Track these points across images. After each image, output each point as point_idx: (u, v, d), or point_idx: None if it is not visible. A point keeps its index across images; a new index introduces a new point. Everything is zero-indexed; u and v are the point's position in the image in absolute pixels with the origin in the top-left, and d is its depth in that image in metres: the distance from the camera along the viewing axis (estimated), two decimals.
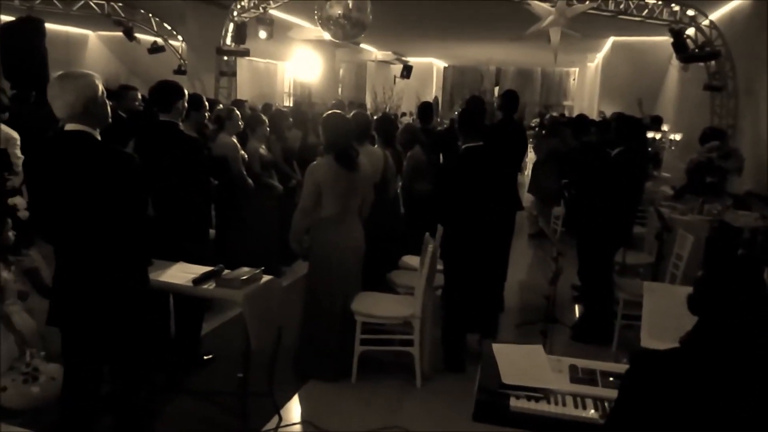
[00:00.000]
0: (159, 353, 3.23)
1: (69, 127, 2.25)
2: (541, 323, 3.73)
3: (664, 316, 2.56)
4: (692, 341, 1.59)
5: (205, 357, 3.74)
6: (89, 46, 14.86)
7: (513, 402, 2.08)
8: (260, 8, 9.03)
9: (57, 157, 2.24)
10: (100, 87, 2.31)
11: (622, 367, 2.36)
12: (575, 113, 16.47)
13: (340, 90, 18.24)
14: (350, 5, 5.89)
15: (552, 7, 6.56)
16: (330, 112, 3.75)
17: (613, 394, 2.12)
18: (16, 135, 4.72)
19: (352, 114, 4.17)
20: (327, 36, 6.48)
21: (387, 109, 14.62)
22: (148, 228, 2.38)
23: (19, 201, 3.07)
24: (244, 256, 5.01)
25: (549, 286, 4.23)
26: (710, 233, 4.58)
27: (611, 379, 2.24)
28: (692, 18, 7.82)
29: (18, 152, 4.66)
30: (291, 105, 15.19)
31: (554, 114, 15.37)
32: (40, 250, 3.22)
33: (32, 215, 2.40)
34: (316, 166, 3.55)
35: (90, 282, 2.26)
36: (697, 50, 7.79)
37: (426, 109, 5.86)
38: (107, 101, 2.36)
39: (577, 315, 5.02)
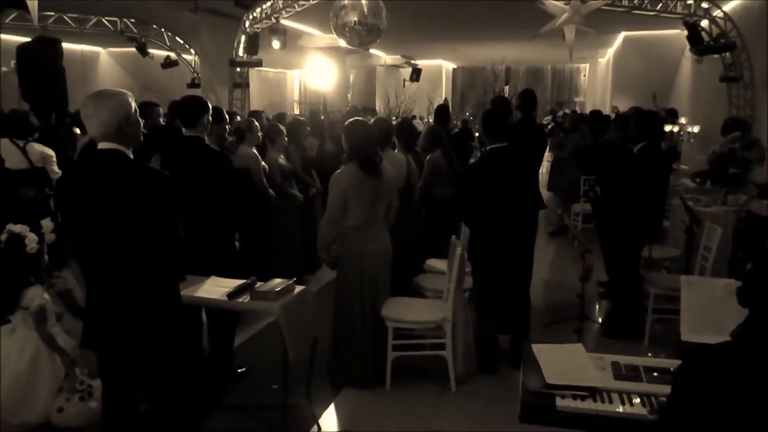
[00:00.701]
0: (194, 369, 3.26)
1: (102, 146, 2.26)
2: (575, 321, 3.71)
3: (704, 310, 2.53)
4: (745, 334, 1.58)
5: (239, 370, 3.76)
6: (100, 63, 15.07)
7: (559, 401, 2.07)
8: (272, 18, 9.10)
9: (91, 176, 2.25)
10: (134, 105, 2.33)
11: (665, 362, 2.37)
12: (587, 109, 16.42)
13: (349, 96, 18.30)
14: (365, 11, 5.91)
15: (566, 4, 6.54)
16: (352, 119, 3.77)
17: (659, 389, 2.13)
18: (51, 152, 4.91)
19: (373, 120, 4.18)
20: (342, 42, 6.49)
21: (400, 113, 14.63)
22: (180, 247, 2.39)
23: (47, 224, 3.10)
24: (269, 267, 5.07)
25: (580, 284, 4.23)
26: (737, 224, 4.53)
27: (655, 374, 2.23)
28: (706, 10, 7.75)
29: (56, 168, 4.86)
30: (300, 113, 15.28)
31: (567, 111, 15.30)
32: (72, 270, 3.27)
33: (66, 236, 2.41)
34: (340, 175, 3.57)
35: (123, 303, 2.26)
36: (711, 42, 7.71)
37: (443, 112, 5.86)
38: (140, 119, 2.39)
39: (605, 311, 4.99)
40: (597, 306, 5.19)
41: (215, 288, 3.00)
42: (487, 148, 3.70)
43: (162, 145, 3.93)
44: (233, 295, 2.87)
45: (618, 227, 4.18)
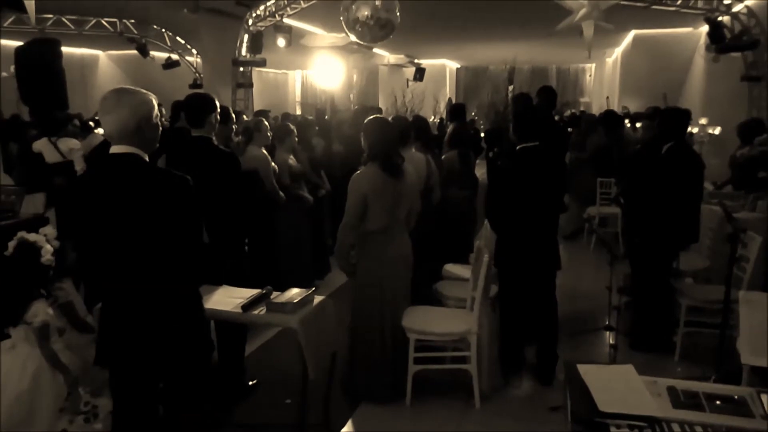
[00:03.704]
0: (205, 383, 3.03)
1: (117, 149, 2.06)
2: (598, 331, 3.47)
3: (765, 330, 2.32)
4: None
5: (250, 383, 3.54)
6: (100, 66, 14.87)
7: None
8: (276, 16, 8.89)
9: (108, 182, 2.05)
10: (156, 108, 2.14)
11: (727, 389, 2.15)
12: (593, 110, 16.22)
13: (352, 96, 18.12)
14: (378, 6, 5.68)
15: (585, 0, 6.32)
16: (372, 117, 3.55)
17: (724, 420, 1.91)
18: (78, 144, 5.42)
19: (391, 118, 3.96)
20: (352, 38, 6.24)
21: (407, 113, 14.42)
22: (204, 255, 2.18)
23: (50, 231, 2.88)
24: (278, 271, 4.86)
25: (600, 291, 4.00)
26: None
27: (718, 402, 2.02)
28: (728, 6, 7.53)
29: (80, 159, 5.31)
30: (302, 114, 15.08)
31: (574, 111, 15.09)
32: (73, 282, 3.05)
33: (74, 247, 2.21)
34: (361, 177, 3.34)
35: (144, 318, 2.07)
36: (733, 40, 7.49)
37: (459, 111, 5.65)
38: (160, 126, 2.18)
39: (630, 322, 4.76)
40: (616, 316, 4.96)
41: (227, 299, 2.78)
42: (518, 147, 3.48)
43: (168, 146, 3.71)
44: (248, 306, 2.65)
45: (652, 233, 3.95)
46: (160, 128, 2.19)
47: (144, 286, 2.07)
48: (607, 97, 15.47)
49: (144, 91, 2.14)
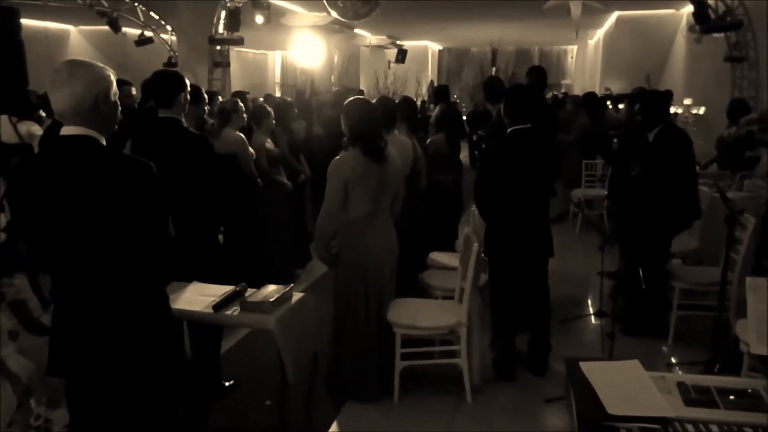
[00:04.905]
0: (176, 385, 2.82)
1: (69, 130, 1.81)
2: (589, 317, 3.34)
3: None
4: None
5: (226, 384, 3.32)
6: (71, 42, 14.27)
7: None
8: None
9: (56, 170, 1.79)
10: (114, 84, 1.89)
11: (739, 382, 2.03)
12: (574, 92, 16.11)
13: (333, 78, 17.77)
14: None
15: None
16: (353, 98, 3.32)
17: (740, 417, 1.79)
18: (39, 131, 5.05)
19: (376, 99, 3.74)
20: (334, 14, 5.94)
21: (390, 95, 14.16)
22: (170, 251, 1.95)
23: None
24: (257, 262, 4.63)
25: (587, 275, 3.88)
26: (766, 212, 4.20)
27: (732, 397, 1.91)
28: None
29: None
30: (282, 95, 14.70)
31: (555, 93, 14.94)
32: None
33: (22, 240, 1.96)
34: (341, 162, 3.13)
35: (103, 320, 1.85)
36: (717, 20, 7.38)
37: (444, 92, 5.44)
38: (119, 104, 1.94)
39: (621, 307, 4.66)
40: (611, 302, 4.86)
41: (198, 297, 2.55)
42: (509, 130, 3.29)
43: (135, 129, 3.45)
44: (220, 306, 2.43)
45: (651, 218, 3.82)
46: (119, 108, 1.95)
47: (102, 285, 1.85)
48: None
49: (101, 65, 1.89)
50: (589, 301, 4.89)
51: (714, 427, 1.77)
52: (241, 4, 8.95)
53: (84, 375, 1.91)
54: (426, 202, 4.48)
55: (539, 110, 3.53)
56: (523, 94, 3.33)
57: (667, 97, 4.14)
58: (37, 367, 2.36)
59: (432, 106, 10.82)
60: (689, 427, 1.78)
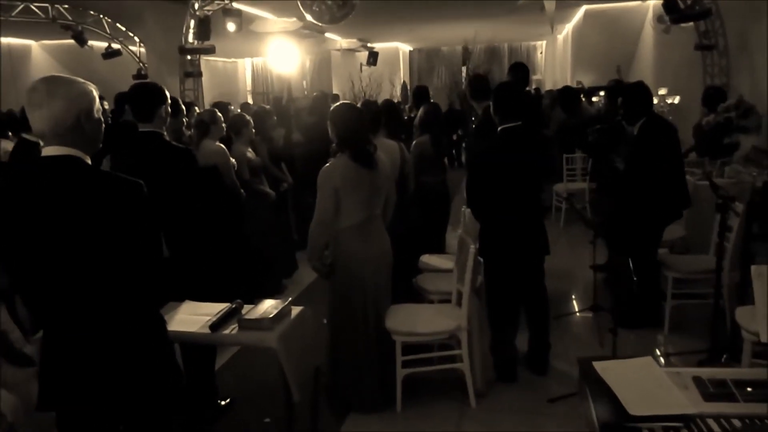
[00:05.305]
0: (173, 406, 2.71)
1: (50, 151, 1.70)
2: (584, 312, 3.33)
3: None
4: None
5: (222, 402, 3.21)
6: (33, 58, 13.89)
7: None
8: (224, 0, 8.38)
9: (38, 193, 1.68)
10: (97, 100, 1.79)
11: (754, 374, 2.01)
12: (546, 87, 16.26)
13: (305, 83, 17.63)
14: None
15: None
16: (339, 103, 3.25)
17: (761, 409, 1.76)
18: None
19: (360, 103, 3.67)
20: (309, 18, 5.84)
21: (365, 98, 14.10)
22: (165, 272, 1.85)
23: None
24: (243, 274, 4.51)
25: (576, 269, 3.87)
26: (753, 197, 4.25)
27: (749, 389, 1.87)
28: None
29: None
30: (254, 104, 14.53)
31: (536, 88, 15.05)
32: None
33: (6, 273, 1.83)
34: (331, 169, 3.05)
35: (97, 351, 1.75)
36: (686, 9, 7.49)
37: (423, 93, 5.39)
38: (103, 121, 1.83)
39: (613, 300, 4.68)
40: (609, 297, 4.88)
41: (192, 317, 2.45)
42: (500, 128, 3.25)
43: (112, 144, 3.31)
44: (217, 325, 2.33)
45: (641, 210, 3.83)
46: (103, 124, 1.84)
47: (95, 313, 1.74)
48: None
49: (82, 80, 1.78)
50: (580, 295, 4.89)
51: (736, 422, 1.73)
52: (210, 12, 8.78)
53: (78, 407, 1.80)
54: (416, 204, 4.43)
55: (528, 108, 3.50)
56: (512, 92, 3.29)
57: (648, 89, 4.13)
58: (23, 401, 2.22)
59: (408, 107, 10.79)
60: (711, 422, 1.74)
